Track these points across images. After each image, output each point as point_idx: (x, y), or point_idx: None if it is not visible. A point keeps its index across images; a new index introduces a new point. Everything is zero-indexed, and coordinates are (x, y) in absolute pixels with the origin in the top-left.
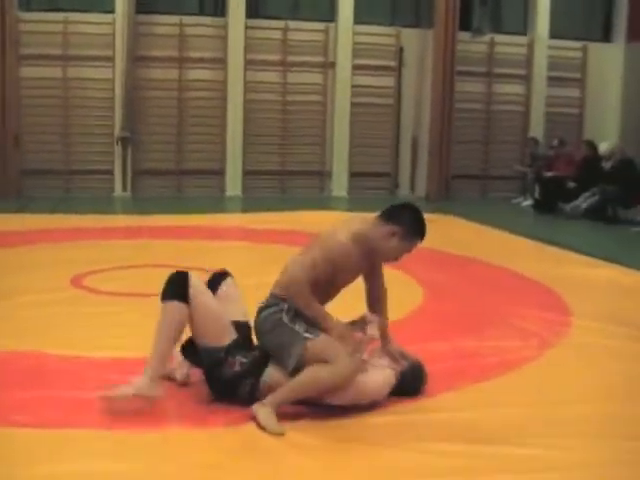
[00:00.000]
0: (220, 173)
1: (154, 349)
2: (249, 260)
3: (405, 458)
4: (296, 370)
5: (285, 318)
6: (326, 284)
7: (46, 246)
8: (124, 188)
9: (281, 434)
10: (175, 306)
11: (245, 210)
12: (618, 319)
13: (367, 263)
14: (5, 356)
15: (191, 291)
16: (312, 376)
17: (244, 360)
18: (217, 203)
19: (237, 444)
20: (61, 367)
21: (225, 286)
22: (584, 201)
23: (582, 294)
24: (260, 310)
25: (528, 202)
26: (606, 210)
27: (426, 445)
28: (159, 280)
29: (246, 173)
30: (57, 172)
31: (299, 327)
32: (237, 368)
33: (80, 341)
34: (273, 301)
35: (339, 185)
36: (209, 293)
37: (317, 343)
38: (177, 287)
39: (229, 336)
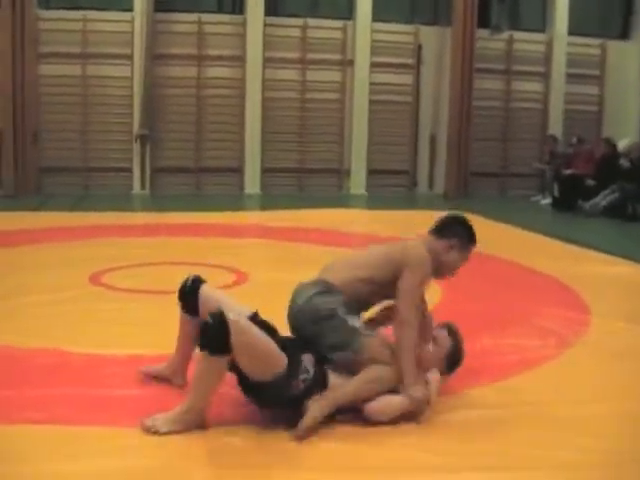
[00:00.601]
0: (239, 171)
1: (193, 400)
2: (267, 258)
3: (420, 456)
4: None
5: (340, 311)
6: (376, 299)
7: (65, 244)
8: (143, 186)
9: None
10: (216, 361)
11: (263, 208)
12: (638, 317)
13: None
14: (23, 353)
15: (233, 339)
16: (377, 376)
17: (307, 376)
18: (235, 201)
19: (252, 443)
20: (79, 364)
21: (211, 291)
22: (603, 199)
23: (601, 292)
24: (312, 296)
25: (547, 200)
26: (625, 208)
27: (443, 443)
28: (177, 278)
29: (265, 171)
30: (76, 170)
31: (354, 322)
32: (302, 386)
33: (98, 338)
34: (327, 289)
35: (357, 183)
36: (250, 326)
37: (373, 342)
38: (217, 341)
39: (281, 358)
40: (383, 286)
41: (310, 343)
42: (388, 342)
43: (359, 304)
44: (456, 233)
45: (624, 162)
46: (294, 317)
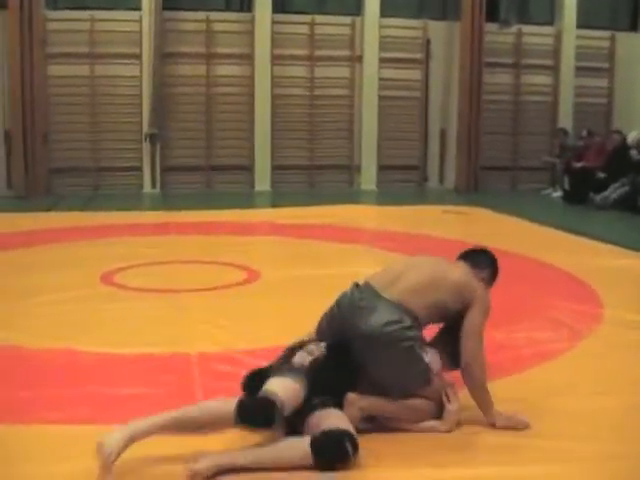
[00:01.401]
0: (249, 168)
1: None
2: (279, 255)
3: (435, 451)
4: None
5: (417, 346)
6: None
7: (75, 243)
8: (153, 185)
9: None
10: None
11: (274, 205)
12: None
13: None
14: (37, 353)
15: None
16: (420, 408)
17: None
18: (246, 198)
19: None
20: (93, 364)
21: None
22: (614, 191)
23: (613, 285)
24: (392, 323)
25: (558, 193)
26: (636, 200)
27: (460, 437)
28: (188, 276)
29: (275, 168)
30: (86, 170)
31: (427, 357)
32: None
33: (110, 337)
34: (413, 322)
35: (368, 178)
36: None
37: (436, 381)
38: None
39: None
40: (450, 315)
41: (358, 363)
42: (443, 380)
43: (422, 324)
44: (486, 266)
45: (634, 154)
46: (362, 337)
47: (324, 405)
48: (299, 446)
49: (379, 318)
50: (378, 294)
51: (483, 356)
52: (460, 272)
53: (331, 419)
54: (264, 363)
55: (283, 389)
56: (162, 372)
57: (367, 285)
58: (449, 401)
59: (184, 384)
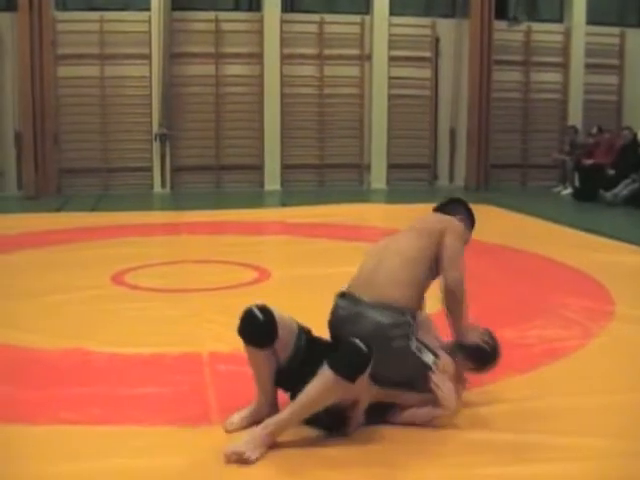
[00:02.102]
0: (259, 168)
1: (290, 421)
2: (289, 254)
3: (448, 449)
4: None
5: (413, 345)
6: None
7: (86, 244)
8: (163, 185)
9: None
10: (342, 387)
11: (284, 204)
12: None
13: None
14: (49, 354)
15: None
16: (426, 398)
17: None
18: (256, 198)
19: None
20: (105, 364)
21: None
22: (624, 188)
23: (624, 282)
24: (384, 325)
25: (568, 190)
26: None
27: (472, 435)
28: (198, 276)
29: (285, 167)
30: (96, 170)
31: (425, 356)
32: None
33: (123, 338)
34: (398, 317)
35: (378, 177)
36: None
37: (433, 378)
38: (355, 369)
39: None
40: (435, 266)
41: None
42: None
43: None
44: (461, 211)
45: None
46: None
47: None
48: (321, 374)
49: (365, 327)
50: (359, 300)
51: (463, 282)
52: (429, 222)
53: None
54: None
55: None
56: (174, 372)
57: (349, 293)
58: (437, 387)
59: (196, 384)
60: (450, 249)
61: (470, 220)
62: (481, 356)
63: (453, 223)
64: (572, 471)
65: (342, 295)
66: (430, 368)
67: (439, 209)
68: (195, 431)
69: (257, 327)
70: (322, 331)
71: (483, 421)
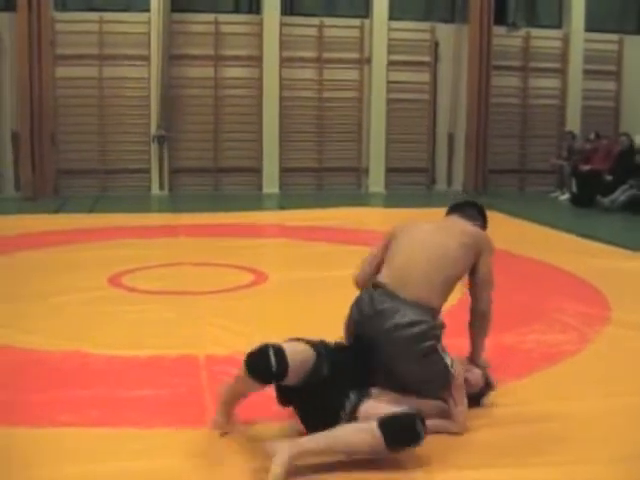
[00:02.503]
0: (257, 170)
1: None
2: (286, 257)
3: (445, 453)
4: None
5: (439, 347)
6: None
7: (83, 246)
8: (161, 187)
9: None
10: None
11: (282, 207)
12: None
13: None
14: (48, 356)
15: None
16: (431, 406)
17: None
18: (254, 201)
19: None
20: (103, 366)
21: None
22: (622, 194)
23: (621, 287)
24: (408, 324)
25: (565, 196)
26: None
27: (471, 438)
28: (196, 278)
29: (283, 170)
30: (94, 171)
31: (447, 359)
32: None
33: (120, 340)
34: (432, 318)
35: (376, 181)
36: None
37: (457, 380)
38: (408, 440)
39: None
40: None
41: (378, 362)
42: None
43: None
44: (479, 218)
45: None
46: (386, 336)
47: (364, 395)
48: (367, 428)
49: (402, 319)
50: (395, 295)
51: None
52: (458, 231)
53: (388, 406)
54: None
55: (289, 345)
56: (171, 375)
57: (382, 286)
58: (456, 404)
59: (193, 387)
60: (487, 271)
61: (485, 227)
62: (487, 379)
63: (488, 241)
64: (567, 476)
65: (375, 288)
66: (450, 372)
67: (457, 210)
68: (192, 433)
69: (266, 373)
70: (320, 334)
71: (481, 425)
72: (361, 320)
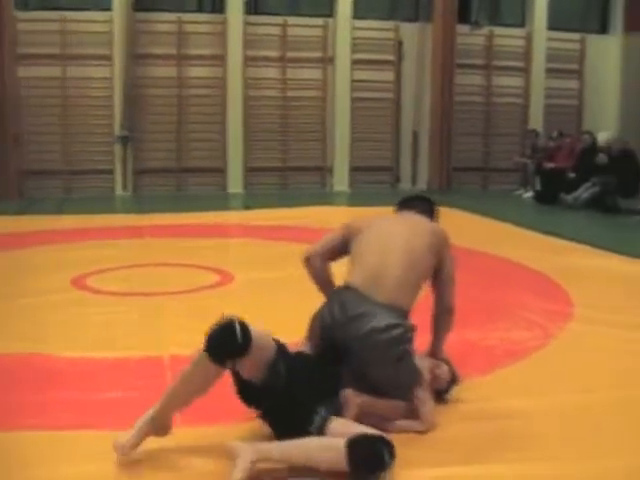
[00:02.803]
0: (221, 170)
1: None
2: (252, 257)
3: (412, 449)
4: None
5: (411, 349)
6: None
7: (47, 247)
8: (125, 187)
9: None
10: None
11: (247, 207)
12: (619, 308)
13: None
14: (13, 359)
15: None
16: (399, 407)
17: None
18: (219, 200)
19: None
20: (70, 369)
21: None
22: (584, 191)
23: (583, 284)
24: (385, 328)
25: (529, 194)
26: (606, 200)
27: (434, 435)
28: (161, 279)
29: (247, 170)
30: (58, 172)
31: (416, 359)
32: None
33: (86, 342)
34: (406, 321)
35: (340, 180)
36: None
37: (424, 380)
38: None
39: None
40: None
41: (349, 365)
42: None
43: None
44: (432, 212)
45: (602, 157)
46: (360, 340)
47: (334, 409)
48: (334, 447)
49: (379, 323)
50: (368, 298)
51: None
52: (422, 229)
53: (360, 426)
54: None
55: (253, 328)
56: (136, 377)
57: (353, 289)
58: (424, 403)
59: (158, 388)
60: (450, 267)
61: (436, 218)
62: (454, 374)
63: (448, 237)
64: (532, 472)
65: (346, 289)
66: (421, 374)
67: (410, 205)
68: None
69: (230, 344)
70: (287, 334)
71: (445, 422)
72: (332, 325)
